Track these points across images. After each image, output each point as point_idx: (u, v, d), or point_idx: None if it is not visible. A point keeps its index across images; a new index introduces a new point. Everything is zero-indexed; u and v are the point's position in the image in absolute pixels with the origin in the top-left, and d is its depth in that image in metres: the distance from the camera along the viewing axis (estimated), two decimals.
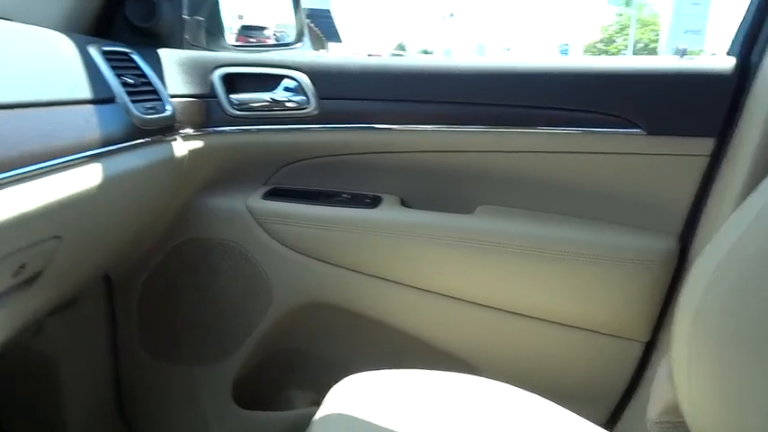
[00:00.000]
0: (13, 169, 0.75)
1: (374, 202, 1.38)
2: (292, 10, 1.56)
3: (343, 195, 1.41)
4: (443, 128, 1.29)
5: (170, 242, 1.40)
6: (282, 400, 1.57)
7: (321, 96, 1.33)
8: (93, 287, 1.40)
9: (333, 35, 26.04)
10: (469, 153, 1.33)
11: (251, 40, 2.75)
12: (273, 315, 1.43)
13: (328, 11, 23.59)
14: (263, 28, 3.19)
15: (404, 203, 1.41)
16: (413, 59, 1.88)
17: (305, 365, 1.55)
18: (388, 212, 1.34)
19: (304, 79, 1.33)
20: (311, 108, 1.33)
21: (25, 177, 0.77)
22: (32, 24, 1.14)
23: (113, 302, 1.45)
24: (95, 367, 1.47)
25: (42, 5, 1.19)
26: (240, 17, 2.61)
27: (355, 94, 1.34)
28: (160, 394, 1.49)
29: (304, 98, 1.34)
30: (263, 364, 1.53)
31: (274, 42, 1.85)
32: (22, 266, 0.83)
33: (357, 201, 1.39)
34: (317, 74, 1.33)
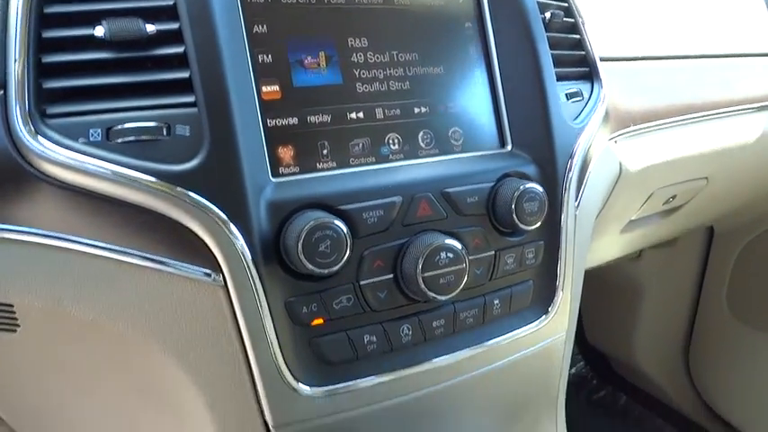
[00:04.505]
0: (692, 112, 0.85)
1: None
2: None
3: None
4: None
5: None
6: None
7: None
8: (695, 233, 1.47)
9: None
10: None
11: None
12: None
13: None
14: None
15: None
16: None
17: None
18: None
19: None
20: None
21: (699, 120, 0.86)
22: None
23: (710, 252, 1.49)
24: (674, 306, 1.57)
25: None
26: None
27: None
28: (733, 355, 1.47)
29: None
30: None
31: None
32: (673, 197, 0.95)
33: None
34: None
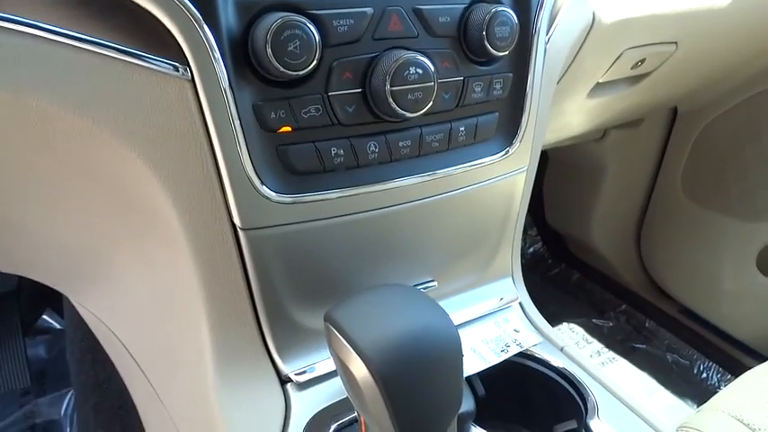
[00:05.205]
0: None
1: None
2: None
3: None
4: None
5: (754, 89, 1.34)
6: None
7: None
8: (660, 114, 1.50)
9: None
10: None
11: None
12: None
13: None
14: None
15: None
16: None
17: None
18: None
19: None
20: None
21: None
22: None
23: (671, 134, 1.53)
24: (632, 187, 1.62)
25: None
26: None
27: None
28: (682, 233, 1.55)
29: None
30: None
31: None
32: (642, 61, 0.95)
33: None
34: None
